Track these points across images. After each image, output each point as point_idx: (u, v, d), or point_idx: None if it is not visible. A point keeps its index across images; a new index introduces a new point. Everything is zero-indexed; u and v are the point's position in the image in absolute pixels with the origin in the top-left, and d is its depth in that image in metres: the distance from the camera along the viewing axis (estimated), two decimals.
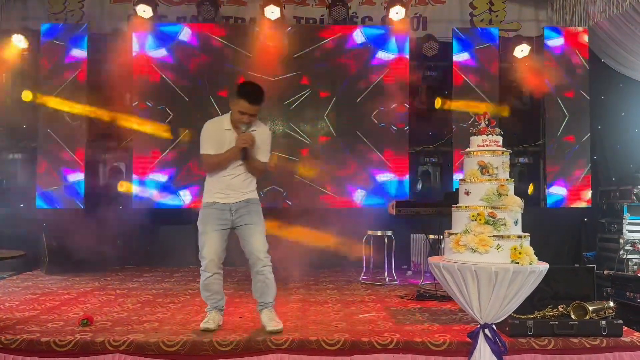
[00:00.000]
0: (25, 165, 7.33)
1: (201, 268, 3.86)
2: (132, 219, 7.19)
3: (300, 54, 7.36)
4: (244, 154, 3.81)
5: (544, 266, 3.23)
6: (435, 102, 7.36)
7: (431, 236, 5.75)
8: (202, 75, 7.31)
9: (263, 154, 3.96)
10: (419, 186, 7.42)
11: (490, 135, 3.39)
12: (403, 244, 6.82)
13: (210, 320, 3.86)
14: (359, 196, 7.33)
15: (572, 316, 3.77)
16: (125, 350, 3.47)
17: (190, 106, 7.27)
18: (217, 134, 3.89)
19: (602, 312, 3.79)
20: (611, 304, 3.91)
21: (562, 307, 3.85)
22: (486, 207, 3.25)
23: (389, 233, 6.16)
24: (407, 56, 7.40)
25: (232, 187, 3.89)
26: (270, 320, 3.81)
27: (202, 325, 3.82)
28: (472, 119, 3.56)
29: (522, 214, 3.31)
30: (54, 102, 7.04)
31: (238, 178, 3.91)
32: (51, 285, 5.69)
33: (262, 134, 3.95)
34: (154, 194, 7.23)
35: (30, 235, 6.64)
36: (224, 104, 7.24)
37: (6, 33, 7.15)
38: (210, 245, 3.83)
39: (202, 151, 3.91)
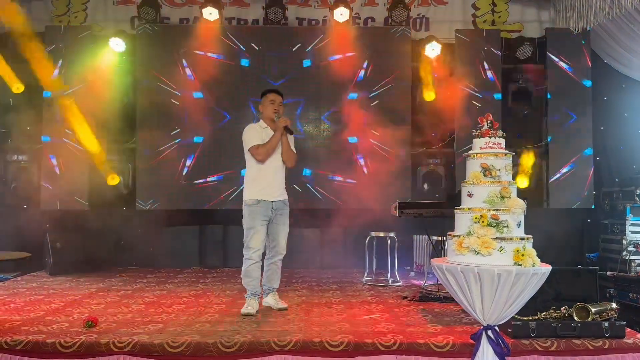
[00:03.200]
0: (30, 166, 7.36)
1: (245, 257, 4.48)
2: (136, 220, 7.24)
3: (303, 54, 7.42)
4: (289, 131, 4.54)
5: (547, 268, 3.23)
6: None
7: (434, 237, 5.76)
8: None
9: (293, 144, 4.67)
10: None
11: (492, 138, 3.40)
12: (406, 245, 6.84)
13: (250, 306, 4.40)
14: (362, 197, 7.33)
15: (575, 317, 3.77)
16: (130, 351, 3.49)
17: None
18: (259, 132, 4.57)
19: (604, 314, 3.80)
20: (614, 305, 3.91)
21: (564, 309, 3.85)
22: (489, 209, 3.25)
23: (392, 234, 6.17)
24: (410, 57, 7.44)
25: (273, 184, 4.52)
26: (277, 302, 4.59)
27: (244, 310, 4.37)
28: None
29: (525, 215, 3.33)
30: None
31: (277, 174, 4.56)
32: (55, 287, 5.71)
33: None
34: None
35: (34, 237, 6.68)
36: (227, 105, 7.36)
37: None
38: (258, 238, 4.45)
39: (251, 144, 4.52)
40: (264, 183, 4.51)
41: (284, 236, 4.59)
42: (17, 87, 6.82)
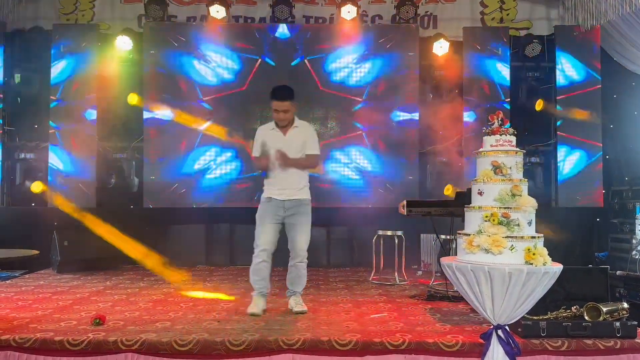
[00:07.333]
0: (38, 164, 7.38)
1: (254, 254, 4.42)
2: (143, 218, 7.24)
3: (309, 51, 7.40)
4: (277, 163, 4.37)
5: (558, 267, 3.20)
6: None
7: (441, 236, 5.72)
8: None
9: (311, 148, 4.48)
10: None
11: (503, 135, 3.37)
12: (413, 244, 6.80)
13: (255, 305, 4.35)
14: (369, 195, 7.31)
15: (586, 317, 3.73)
16: (138, 349, 3.48)
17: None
18: (262, 136, 4.51)
19: (615, 314, 3.76)
20: (625, 305, 3.87)
21: (575, 308, 3.80)
22: (500, 207, 3.22)
23: (399, 233, 6.14)
24: (418, 54, 7.40)
25: (284, 184, 4.41)
26: (297, 304, 4.42)
27: (249, 310, 4.32)
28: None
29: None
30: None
31: (290, 175, 4.41)
32: (63, 284, 5.72)
33: (304, 130, 4.54)
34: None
35: (41, 234, 6.70)
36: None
37: None
38: (265, 236, 4.40)
39: (253, 153, 4.57)
40: (275, 182, 4.45)
41: (301, 236, 4.46)
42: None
